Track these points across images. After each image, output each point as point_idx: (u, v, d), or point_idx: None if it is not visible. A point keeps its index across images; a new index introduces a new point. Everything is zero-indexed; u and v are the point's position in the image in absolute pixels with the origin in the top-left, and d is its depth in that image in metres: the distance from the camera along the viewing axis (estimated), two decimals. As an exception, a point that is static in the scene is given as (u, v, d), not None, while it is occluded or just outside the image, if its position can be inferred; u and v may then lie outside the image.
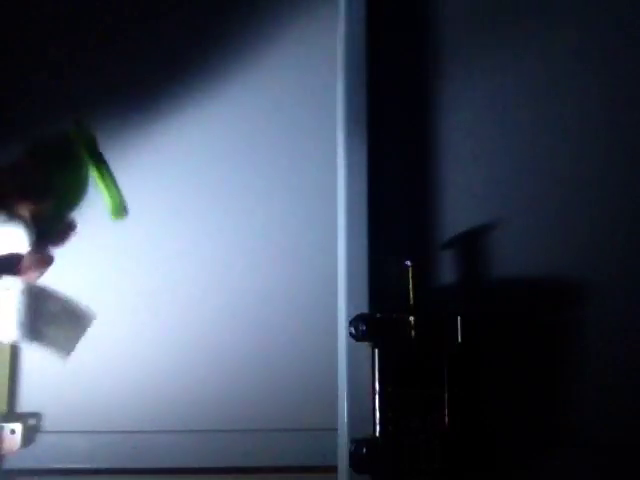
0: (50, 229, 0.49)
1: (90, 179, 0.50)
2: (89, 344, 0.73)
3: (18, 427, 0.70)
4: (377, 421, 0.64)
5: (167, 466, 0.71)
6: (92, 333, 0.73)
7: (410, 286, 0.67)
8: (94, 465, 0.71)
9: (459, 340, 0.66)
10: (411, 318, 0.66)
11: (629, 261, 0.74)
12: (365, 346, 0.66)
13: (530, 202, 0.75)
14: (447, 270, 0.73)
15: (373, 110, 0.70)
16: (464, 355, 0.68)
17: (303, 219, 0.75)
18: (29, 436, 0.71)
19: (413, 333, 0.65)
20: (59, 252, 0.73)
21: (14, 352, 0.72)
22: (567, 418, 0.72)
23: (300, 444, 0.71)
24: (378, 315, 0.66)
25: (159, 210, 0.75)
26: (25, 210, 0.46)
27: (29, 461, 0.70)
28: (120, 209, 0.51)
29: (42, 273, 0.51)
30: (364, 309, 0.66)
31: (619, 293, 0.73)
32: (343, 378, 0.66)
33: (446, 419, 0.64)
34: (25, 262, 0.49)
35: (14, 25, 0.76)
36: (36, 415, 0.72)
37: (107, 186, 0.50)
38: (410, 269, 0.68)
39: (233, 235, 0.75)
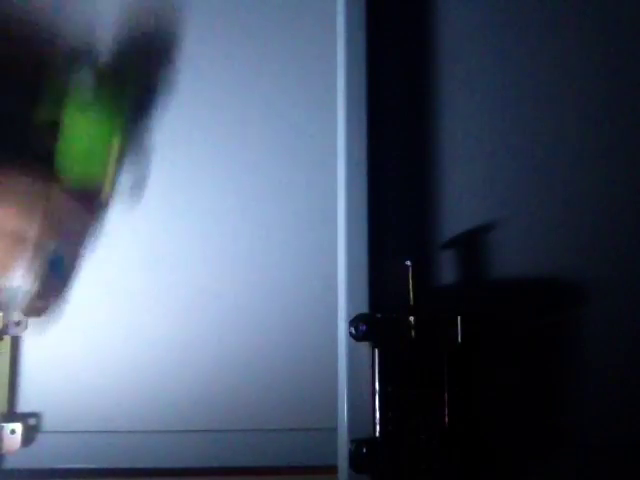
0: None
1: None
2: (89, 344, 0.73)
3: (18, 427, 0.70)
4: (377, 421, 0.64)
5: (167, 466, 0.71)
6: (93, 333, 0.73)
7: (410, 286, 0.67)
8: (94, 465, 0.71)
9: (459, 340, 0.66)
10: (411, 318, 0.66)
11: (629, 261, 0.74)
12: (365, 346, 0.65)
13: (530, 202, 0.75)
14: (447, 270, 0.73)
15: (373, 110, 0.70)
16: (464, 355, 0.67)
17: (303, 219, 0.75)
18: (29, 436, 0.71)
19: (413, 333, 0.65)
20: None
21: (14, 352, 0.72)
22: (567, 418, 0.72)
23: (300, 444, 0.71)
24: (378, 315, 0.66)
25: (158, 210, 0.75)
26: None
27: (29, 461, 0.70)
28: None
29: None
30: (364, 309, 0.66)
31: (619, 293, 0.73)
32: (343, 378, 0.65)
33: (446, 419, 0.64)
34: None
35: None
36: (36, 415, 0.72)
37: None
38: (410, 269, 0.68)
39: (232, 235, 0.75)
